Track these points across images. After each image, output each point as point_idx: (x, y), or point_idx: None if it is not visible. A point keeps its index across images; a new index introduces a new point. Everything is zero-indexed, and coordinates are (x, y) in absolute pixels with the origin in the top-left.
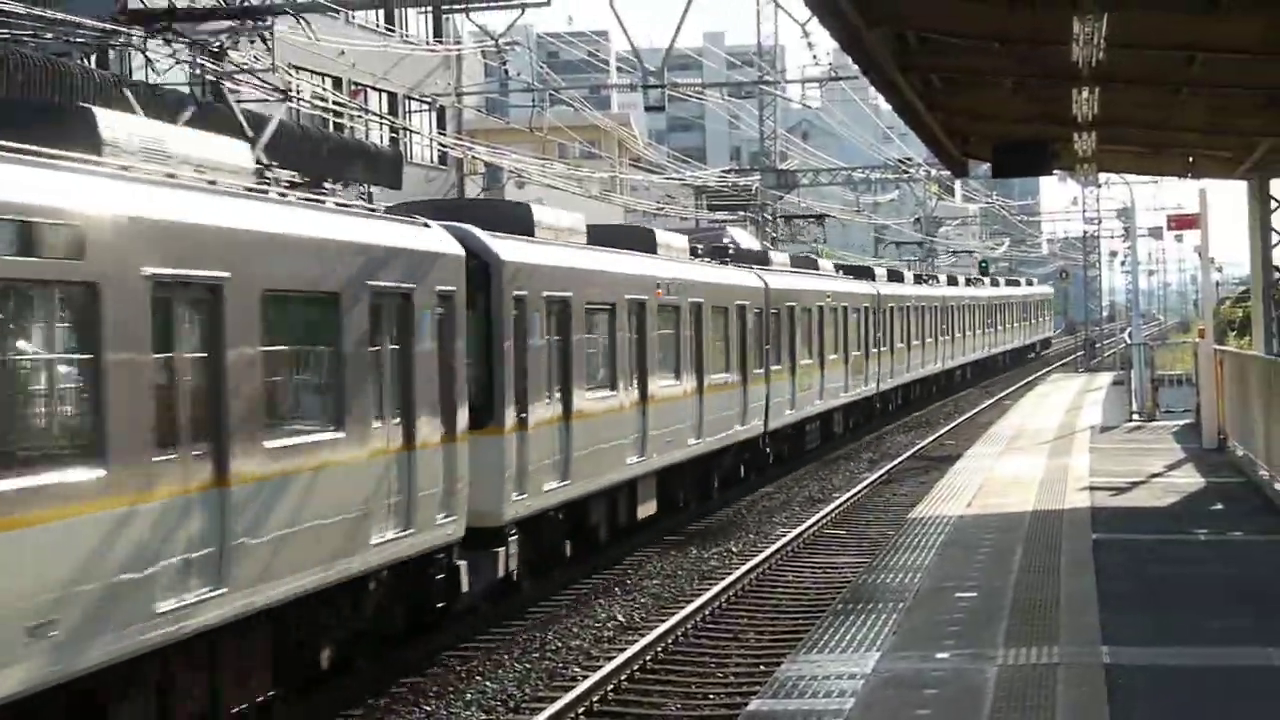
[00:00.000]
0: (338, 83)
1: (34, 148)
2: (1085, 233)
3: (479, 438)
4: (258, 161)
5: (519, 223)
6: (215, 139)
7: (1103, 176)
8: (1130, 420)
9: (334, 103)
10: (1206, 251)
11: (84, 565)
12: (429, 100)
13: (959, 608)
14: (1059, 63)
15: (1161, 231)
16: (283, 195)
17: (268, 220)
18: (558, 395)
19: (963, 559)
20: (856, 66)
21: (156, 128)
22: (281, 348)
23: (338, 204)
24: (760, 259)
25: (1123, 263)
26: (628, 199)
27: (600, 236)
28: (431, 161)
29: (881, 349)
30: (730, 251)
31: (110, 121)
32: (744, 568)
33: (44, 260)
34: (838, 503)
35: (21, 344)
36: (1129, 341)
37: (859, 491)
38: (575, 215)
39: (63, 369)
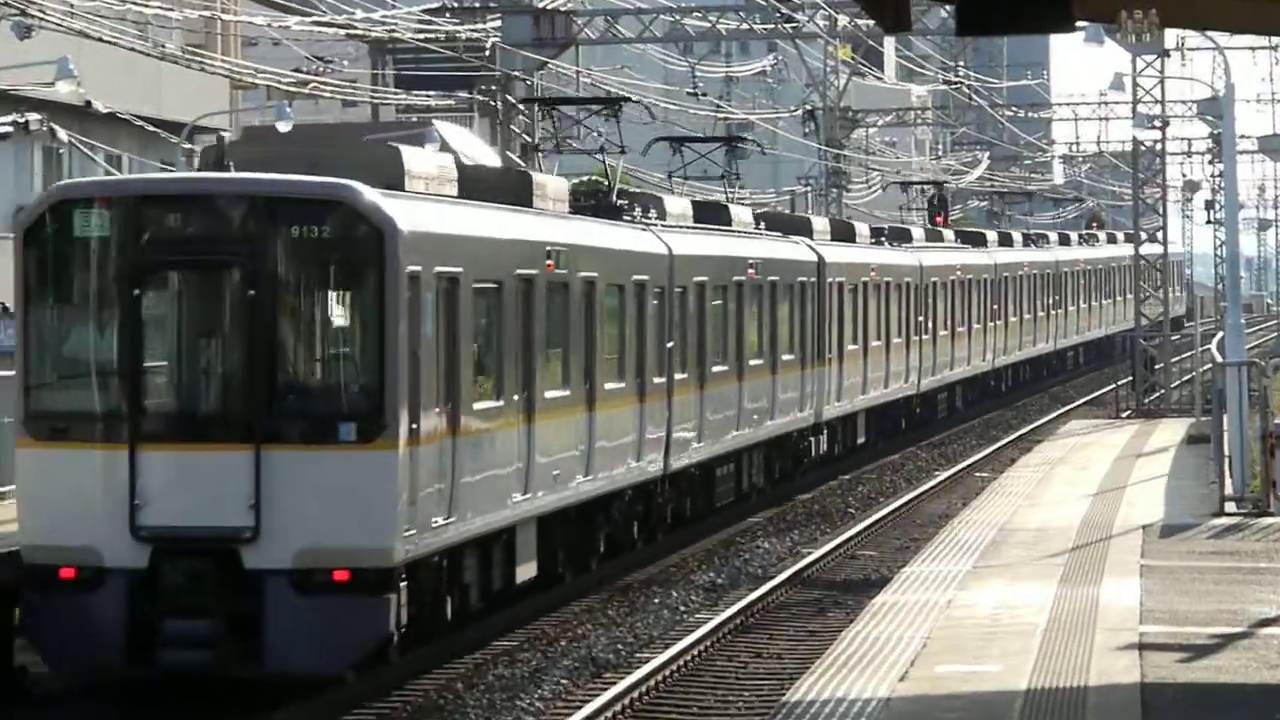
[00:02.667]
0: None
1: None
2: (1137, 145)
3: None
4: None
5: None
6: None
7: (1170, 37)
8: (1220, 513)
9: None
10: None
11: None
12: None
13: None
14: None
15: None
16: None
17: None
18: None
19: None
20: None
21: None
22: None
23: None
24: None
25: (1209, 205)
26: (237, 63)
27: None
28: None
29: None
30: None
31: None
32: None
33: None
34: (641, 674)
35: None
36: (1218, 358)
37: (686, 649)
38: None
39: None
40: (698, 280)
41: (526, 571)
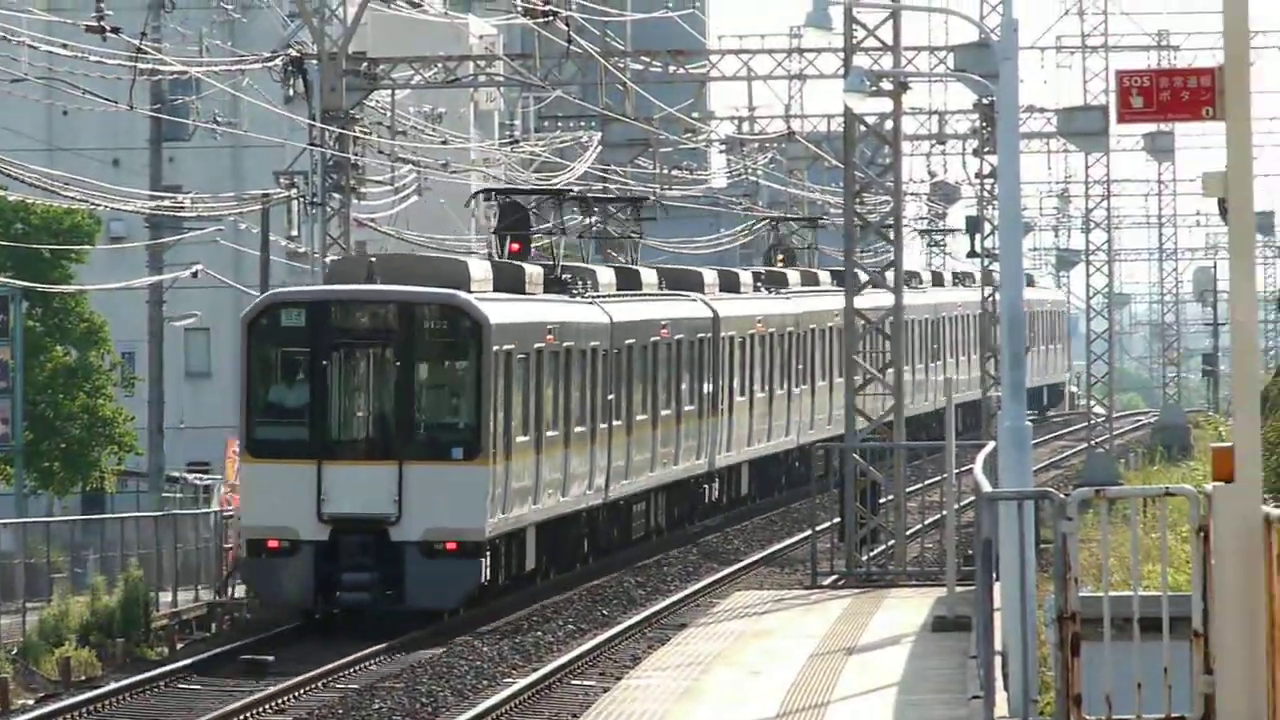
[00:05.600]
0: None
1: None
2: (852, 122)
3: None
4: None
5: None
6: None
7: None
8: None
9: None
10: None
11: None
12: None
13: None
14: None
15: (1101, 122)
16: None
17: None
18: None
19: None
20: None
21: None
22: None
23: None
24: None
25: (972, 225)
26: None
27: None
28: None
29: None
30: None
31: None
32: None
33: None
34: None
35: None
36: (984, 485)
37: None
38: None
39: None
40: (629, 342)
41: (529, 564)
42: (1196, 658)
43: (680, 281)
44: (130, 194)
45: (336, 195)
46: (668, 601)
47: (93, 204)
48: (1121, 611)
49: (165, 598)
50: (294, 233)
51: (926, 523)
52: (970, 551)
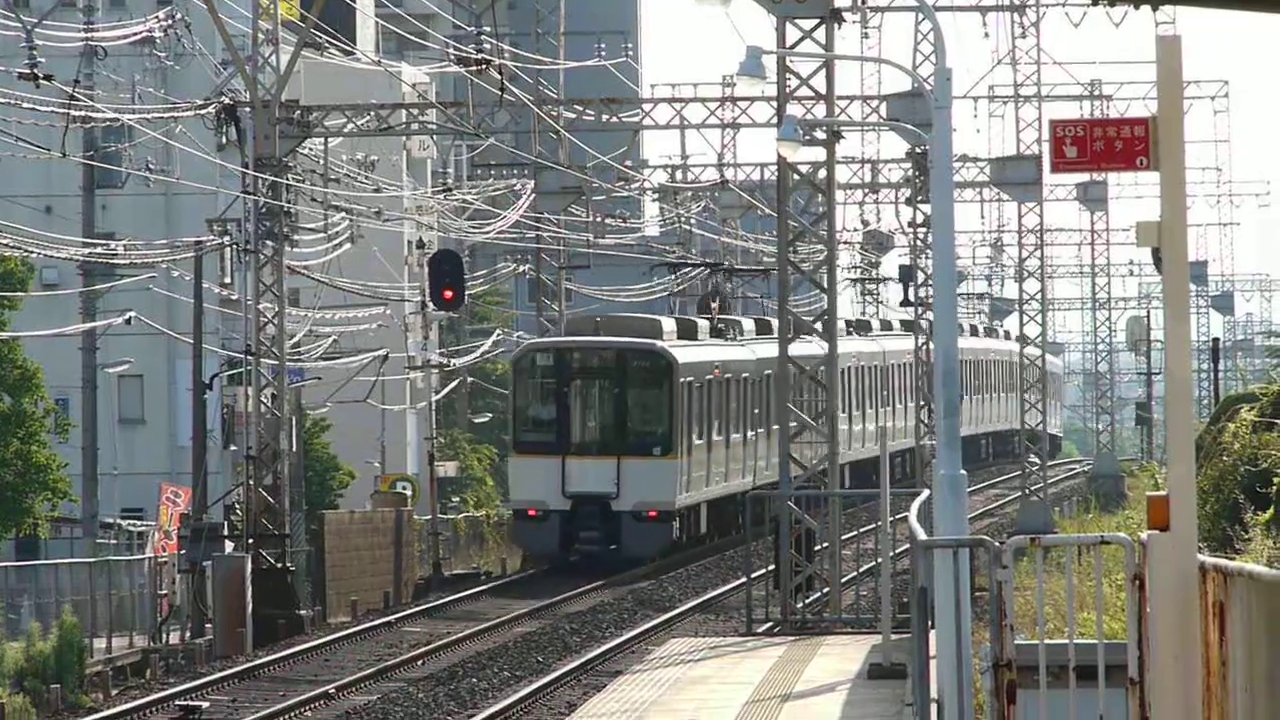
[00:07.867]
0: None
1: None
2: (786, 170)
3: None
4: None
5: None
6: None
7: None
8: None
9: None
10: (1176, 274)
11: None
12: None
13: None
14: None
15: (1034, 172)
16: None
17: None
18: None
19: None
20: None
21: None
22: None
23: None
24: None
25: (906, 274)
26: None
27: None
28: None
29: None
30: None
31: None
32: None
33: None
34: None
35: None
36: (919, 533)
37: None
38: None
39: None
40: (767, 373)
41: (703, 529)
42: (1132, 705)
43: (799, 327)
44: (63, 241)
45: (270, 242)
46: (603, 648)
47: (25, 251)
48: (1057, 659)
49: (100, 644)
50: (227, 280)
51: (861, 570)
52: (906, 599)
